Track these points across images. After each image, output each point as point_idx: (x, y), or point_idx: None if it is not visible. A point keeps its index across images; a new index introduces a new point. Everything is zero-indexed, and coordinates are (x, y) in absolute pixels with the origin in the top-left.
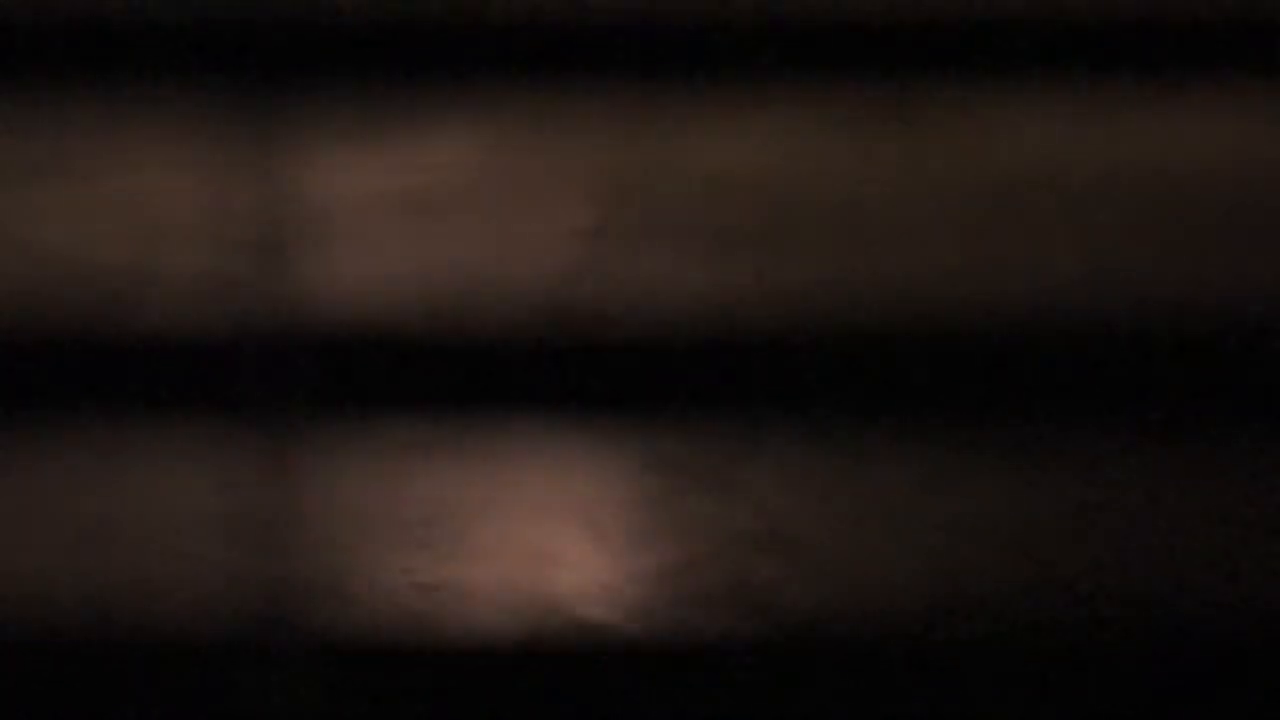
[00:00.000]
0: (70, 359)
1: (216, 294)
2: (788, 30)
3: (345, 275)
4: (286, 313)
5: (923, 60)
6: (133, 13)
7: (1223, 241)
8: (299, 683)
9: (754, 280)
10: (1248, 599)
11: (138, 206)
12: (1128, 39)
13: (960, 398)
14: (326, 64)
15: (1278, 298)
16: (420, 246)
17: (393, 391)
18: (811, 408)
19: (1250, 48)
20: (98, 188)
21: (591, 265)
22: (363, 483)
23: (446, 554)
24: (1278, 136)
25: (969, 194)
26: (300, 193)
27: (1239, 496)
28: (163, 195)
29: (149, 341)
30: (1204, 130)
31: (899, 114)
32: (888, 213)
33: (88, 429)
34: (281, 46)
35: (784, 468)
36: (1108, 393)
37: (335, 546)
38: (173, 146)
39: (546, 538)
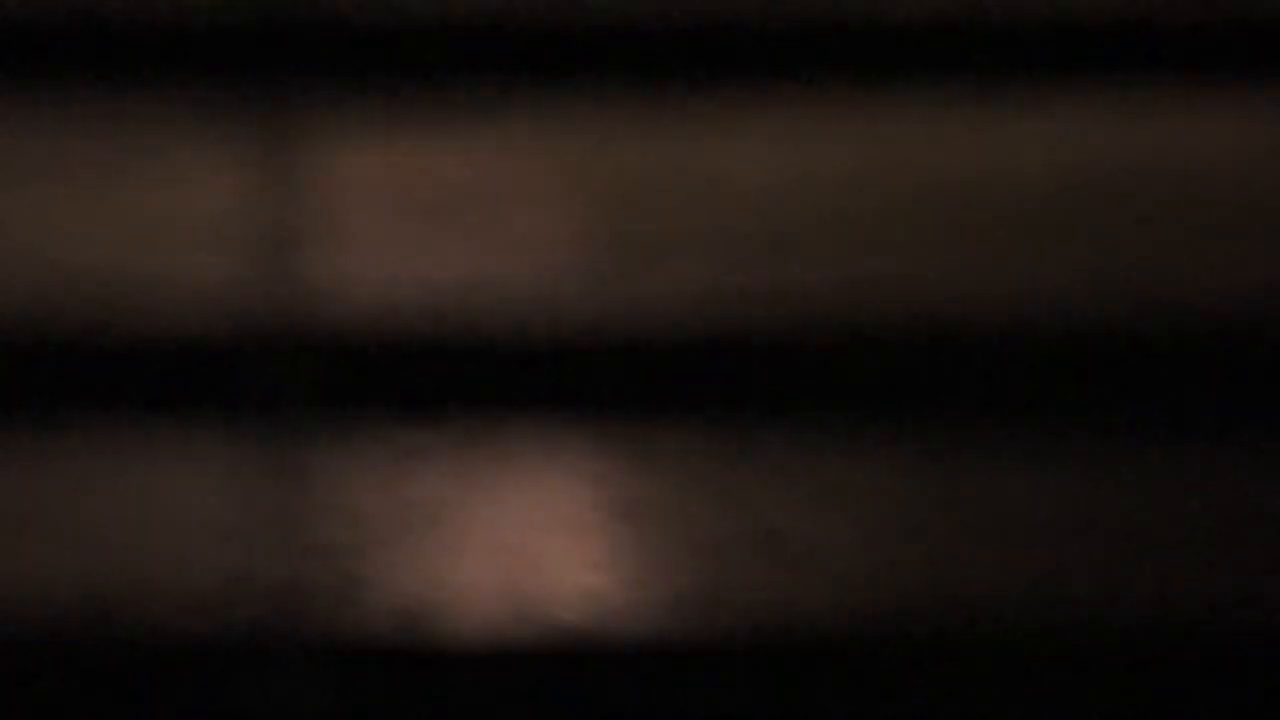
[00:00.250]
0: (75, 360)
1: (223, 296)
2: (789, 35)
3: (351, 278)
4: (293, 315)
5: (925, 64)
6: (140, 15)
7: (1224, 242)
8: (297, 684)
9: (752, 284)
10: (1254, 600)
11: (144, 209)
12: (1128, 39)
13: (958, 400)
14: (335, 67)
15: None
16: (425, 249)
17: (394, 394)
18: (805, 411)
19: (1251, 48)
20: (104, 190)
21: (592, 269)
22: (364, 484)
23: (442, 556)
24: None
25: (970, 197)
26: (307, 195)
27: (1244, 497)
28: (169, 198)
29: (155, 343)
30: (1208, 130)
31: (901, 117)
32: (888, 216)
33: (92, 431)
34: (290, 50)
35: (777, 471)
36: (1109, 394)
37: (336, 548)
38: (179, 149)
39: (543, 541)
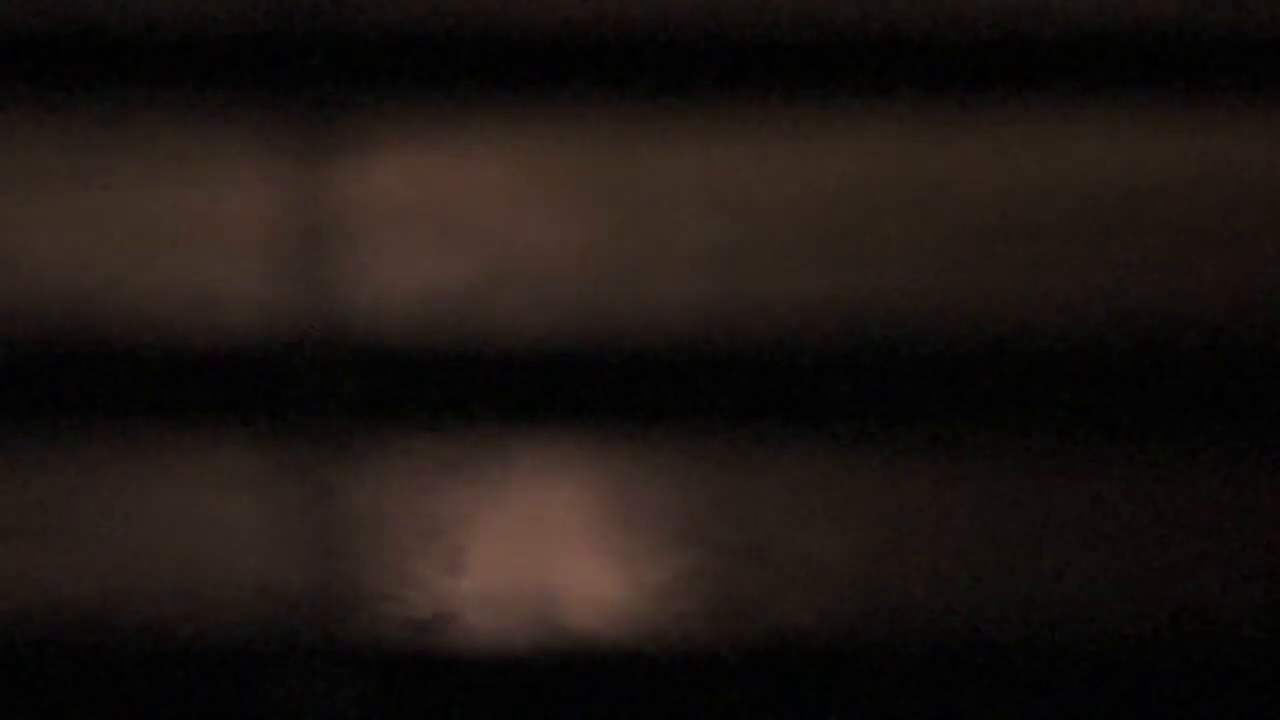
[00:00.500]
0: (111, 370)
1: (252, 305)
2: (791, 50)
3: (364, 288)
4: (317, 325)
5: (924, 79)
6: (175, 28)
7: (1210, 253)
8: (322, 689)
9: (754, 293)
10: (1251, 608)
11: (177, 220)
12: (1120, 55)
13: (954, 412)
14: (365, 81)
15: (1264, 305)
16: (442, 260)
17: (420, 403)
18: (806, 422)
19: (1254, 67)
20: (138, 202)
21: (603, 279)
22: (388, 494)
23: (460, 566)
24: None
25: (968, 210)
26: (336, 205)
27: (1245, 506)
28: (203, 208)
29: (187, 354)
30: (1197, 146)
31: (896, 130)
32: (886, 229)
33: (127, 440)
34: (322, 64)
35: (779, 482)
36: (1105, 405)
37: (360, 556)
38: (213, 160)
39: (555, 551)
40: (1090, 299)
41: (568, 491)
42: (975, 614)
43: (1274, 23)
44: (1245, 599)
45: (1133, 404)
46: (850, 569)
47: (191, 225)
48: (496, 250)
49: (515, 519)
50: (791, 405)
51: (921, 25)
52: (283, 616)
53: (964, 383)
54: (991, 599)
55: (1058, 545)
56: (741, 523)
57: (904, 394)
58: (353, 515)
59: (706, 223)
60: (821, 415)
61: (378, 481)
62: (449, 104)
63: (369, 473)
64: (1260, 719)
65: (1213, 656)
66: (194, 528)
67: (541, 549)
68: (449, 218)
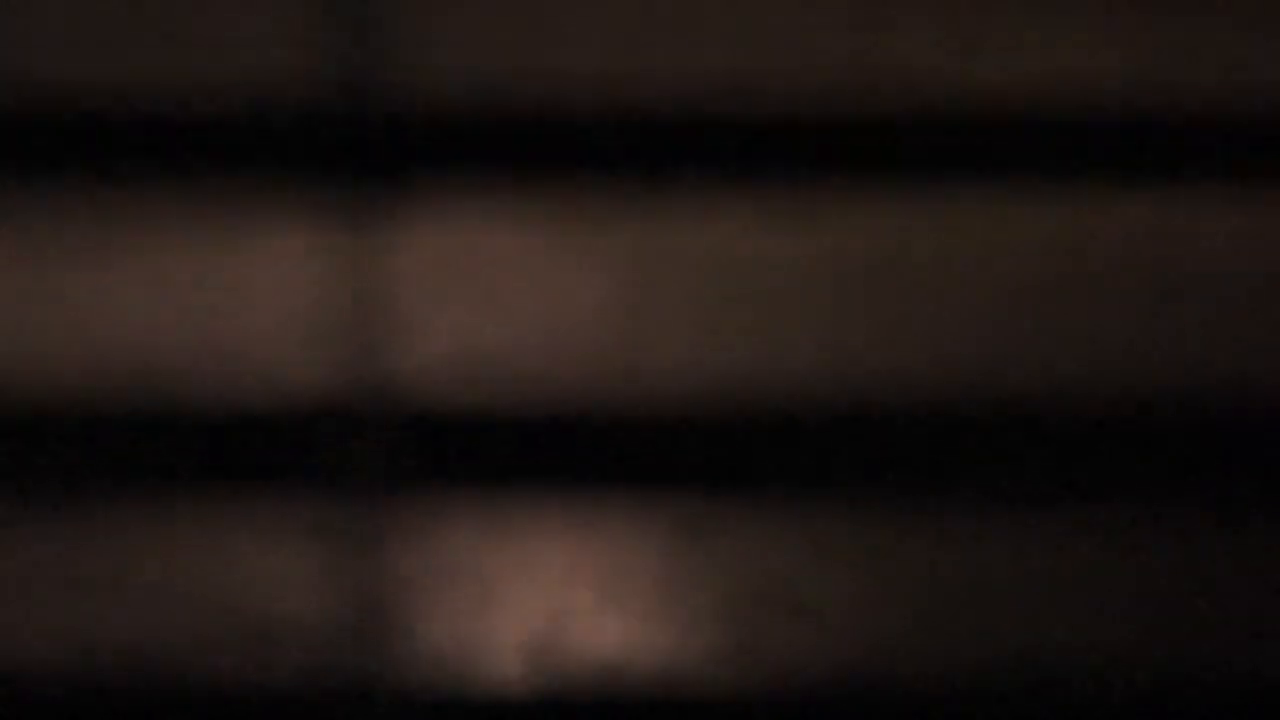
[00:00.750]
0: (172, 432)
1: (302, 370)
2: (789, 128)
3: (406, 352)
4: (362, 387)
5: (915, 157)
6: (224, 107)
7: (1213, 322)
8: None
9: (764, 357)
10: (1245, 663)
11: (231, 289)
12: (1107, 135)
13: (961, 470)
14: (404, 158)
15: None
16: (476, 325)
17: (457, 464)
18: (813, 478)
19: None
20: (195, 272)
21: (620, 340)
22: (425, 547)
23: (493, 613)
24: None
25: (961, 281)
26: (378, 276)
27: (1238, 563)
28: (254, 278)
29: (241, 416)
30: (1160, 221)
31: (892, 206)
32: (882, 298)
33: (186, 497)
34: (364, 145)
35: (788, 533)
36: (1103, 465)
37: (402, 607)
38: (262, 233)
39: (577, 598)
40: (1079, 369)
41: (594, 544)
42: (983, 660)
43: (1219, 105)
44: (1242, 656)
45: (1133, 469)
46: (848, 616)
47: (245, 293)
48: (525, 315)
49: (546, 570)
50: (798, 464)
51: (908, 111)
52: (329, 662)
53: (954, 444)
54: (1001, 646)
55: (1069, 598)
56: (750, 572)
57: (897, 453)
58: (395, 567)
59: (718, 288)
60: (820, 473)
61: (419, 535)
62: (482, 182)
63: (411, 527)
64: None
65: (1210, 712)
66: (247, 579)
67: (568, 598)
68: (483, 286)
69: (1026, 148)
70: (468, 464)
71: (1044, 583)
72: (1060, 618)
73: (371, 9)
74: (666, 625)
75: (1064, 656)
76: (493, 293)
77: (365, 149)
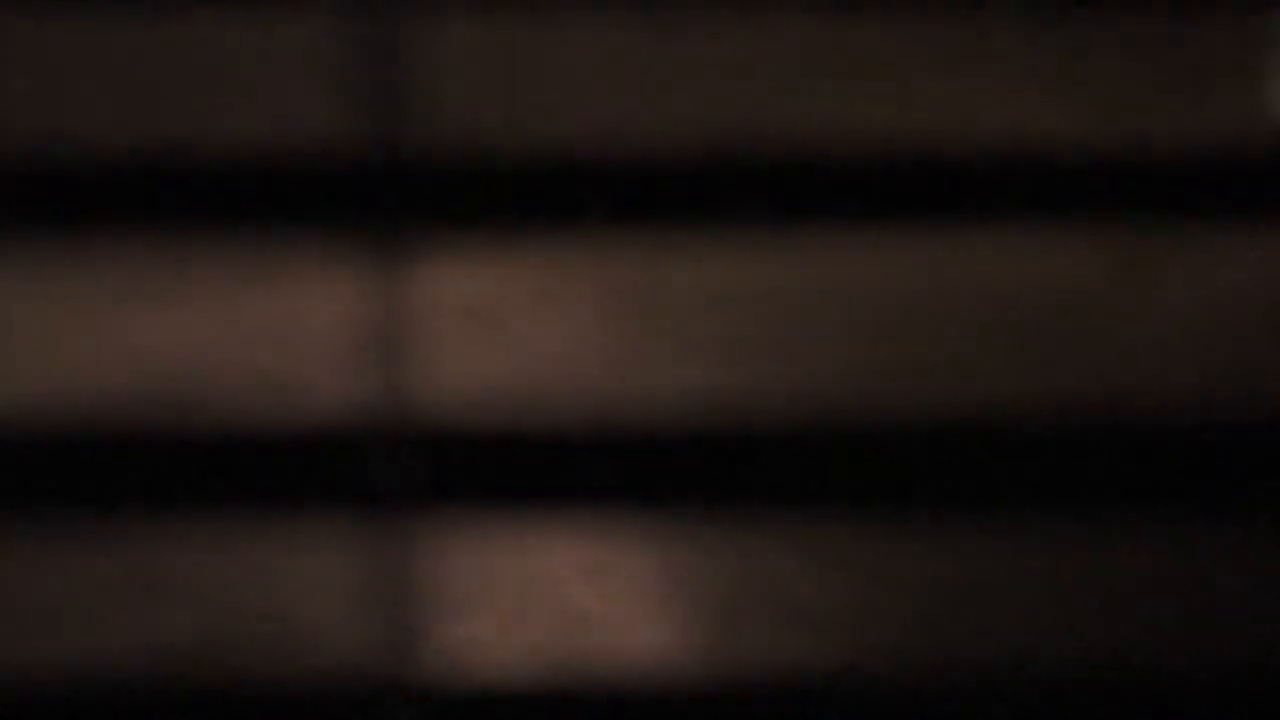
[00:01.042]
0: (211, 453)
1: (332, 396)
2: (776, 178)
3: (428, 380)
4: (388, 412)
5: (899, 201)
6: (262, 156)
7: (1133, 351)
8: None
9: (762, 383)
10: (1235, 670)
11: (267, 323)
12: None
13: (955, 485)
14: (427, 203)
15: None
16: (494, 355)
17: (473, 481)
18: (804, 489)
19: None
20: (233, 308)
21: (622, 367)
22: (446, 561)
23: (507, 623)
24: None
25: (948, 308)
26: (406, 307)
27: (1219, 573)
28: (288, 313)
29: (275, 439)
30: (1121, 259)
31: (877, 242)
32: (877, 324)
33: (225, 513)
34: (393, 189)
35: (784, 541)
36: (1090, 479)
37: (424, 614)
38: (296, 271)
39: (590, 604)
40: (1070, 388)
41: (603, 554)
42: (978, 665)
43: (1159, 153)
44: (1241, 663)
45: (1123, 481)
46: (843, 617)
47: (282, 328)
48: (537, 346)
49: (558, 579)
50: (798, 477)
51: (876, 160)
52: (358, 664)
53: (942, 459)
54: (996, 651)
55: (1057, 605)
56: (753, 576)
57: (900, 468)
58: (417, 577)
59: (710, 320)
60: (814, 487)
61: (440, 547)
62: (499, 224)
63: (432, 540)
64: None
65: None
66: (280, 590)
67: (579, 605)
68: (500, 319)
69: (985, 194)
70: (484, 481)
71: (1030, 587)
72: (1048, 621)
73: (398, 70)
74: (672, 629)
75: (1055, 662)
76: (507, 325)
77: (391, 197)
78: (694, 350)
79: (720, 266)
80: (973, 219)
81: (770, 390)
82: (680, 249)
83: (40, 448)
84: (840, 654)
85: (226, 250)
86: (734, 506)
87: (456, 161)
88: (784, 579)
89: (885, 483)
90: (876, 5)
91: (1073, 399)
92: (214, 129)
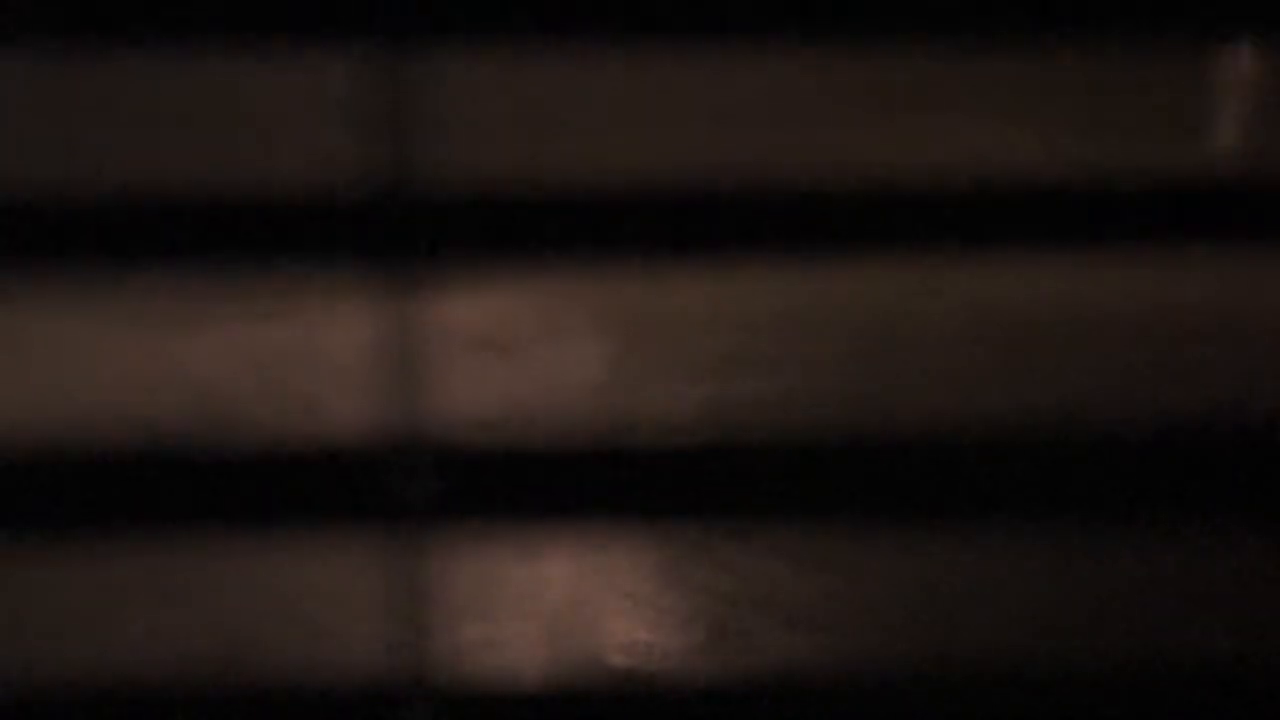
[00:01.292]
0: (237, 470)
1: (351, 418)
2: (768, 207)
3: (442, 402)
4: (403, 432)
5: (889, 227)
6: (281, 193)
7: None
8: None
9: (753, 400)
10: (1222, 670)
11: (290, 349)
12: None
13: (933, 493)
14: (439, 234)
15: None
16: (503, 377)
17: (484, 496)
18: (804, 500)
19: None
20: (259, 336)
21: (620, 387)
22: (459, 570)
23: (515, 622)
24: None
25: (934, 330)
26: (420, 334)
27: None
28: (309, 340)
29: (296, 457)
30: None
31: (863, 266)
32: (870, 341)
33: (249, 527)
34: (406, 221)
35: (775, 547)
36: (1069, 489)
37: (438, 621)
38: (317, 301)
39: (592, 609)
40: (1067, 401)
41: (605, 561)
42: (962, 662)
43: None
44: (1224, 664)
45: (1105, 491)
46: (830, 615)
47: (303, 353)
48: (542, 369)
49: (564, 584)
50: (787, 486)
51: (862, 189)
52: (380, 661)
53: (926, 468)
54: (979, 649)
55: (1033, 606)
56: (743, 580)
57: (876, 475)
58: (433, 582)
59: (704, 343)
60: (805, 497)
61: (454, 555)
62: (506, 255)
63: (446, 548)
64: None
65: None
66: (303, 596)
67: (584, 608)
68: (508, 344)
69: (961, 219)
70: (493, 495)
71: (1017, 591)
72: (1032, 623)
73: (411, 111)
74: (671, 630)
75: (1031, 655)
76: (514, 350)
77: (406, 232)
78: (688, 370)
79: (713, 291)
80: (949, 243)
81: (761, 406)
82: (674, 276)
83: (81, 464)
84: (832, 655)
85: (253, 281)
86: (729, 517)
87: (466, 197)
88: (777, 584)
89: (873, 493)
90: (861, 48)
91: (1044, 412)
92: (240, 169)
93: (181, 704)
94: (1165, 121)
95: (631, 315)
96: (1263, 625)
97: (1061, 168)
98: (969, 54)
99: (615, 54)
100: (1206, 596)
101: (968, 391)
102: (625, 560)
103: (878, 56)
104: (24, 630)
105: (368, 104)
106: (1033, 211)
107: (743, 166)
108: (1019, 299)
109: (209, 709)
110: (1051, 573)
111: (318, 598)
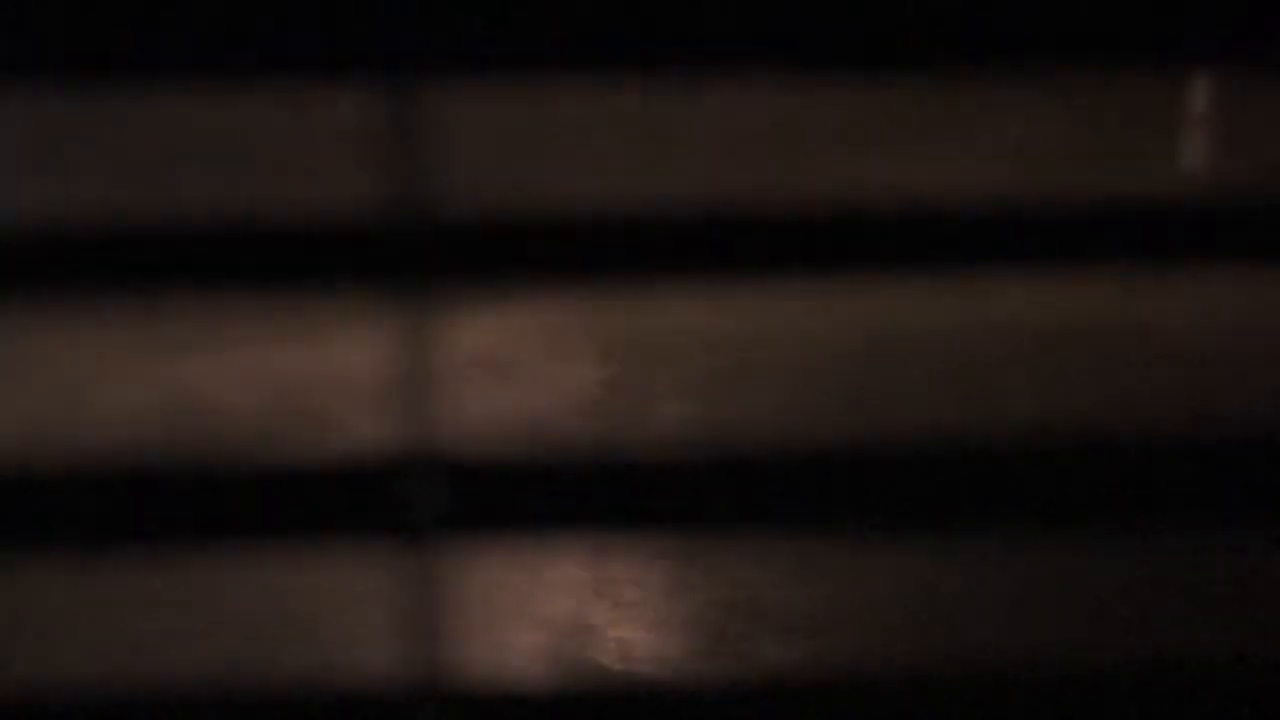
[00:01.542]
0: (257, 483)
1: (367, 432)
2: (757, 231)
3: (454, 418)
4: (418, 447)
5: (874, 249)
6: (300, 219)
7: (1121, 377)
8: None
9: (746, 417)
10: (1230, 673)
11: (309, 369)
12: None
13: (908, 502)
14: (450, 259)
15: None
16: (511, 394)
17: (494, 508)
18: (796, 509)
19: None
20: (279, 356)
21: (622, 404)
22: (472, 578)
23: (525, 626)
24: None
25: (922, 348)
26: (430, 353)
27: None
28: (327, 360)
29: (315, 470)
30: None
31: (847, 289)
32: (855, 362)
33: (266, 538)
34: (418, 246)
35: (772, 557)
36: (1062, 501)
37: (453, 625)
38: (333, 323)
39: (596, 615)
40: (1052, 412)
41: (608, 570)
42: (948, 667)
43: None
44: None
45: (1093, 498)
46: (826, 622)
47: (318, 374)
48: (548, 386)
49: (568, 592)
50: (772, 497)
51: (855, 212)
52: (389, 672)
53: (914, 478)
54: (962, 651)
55: (1016, 610)
56: (730, 585)
57: (871, 486)
58: (443, 590)
59: (701, 361)
60: (795, 507)
61: (462, 567)
62: (511, 280)
63: (455, 560)
64: None
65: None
66: (319, 604)
67: (587, 615)
68: (513, 364)
69: (948, 241)
70: (501, 507)
71: (1011, 600)
72: (1016, 624)
73: (421, 144)
74: (671, 637)
75: (1016, 659)
76: (519, 370)
77: (417, 257)
78: (685, 388)
79: (713, 312)
80: (937, 264)
81: (753, 422)
82: (676, 297)
83: (104, 481)
84: (828, 661)
85: (270, 305)
86: (727, 528)
87: (474, 224)
88: (774, 592)
89: (868, 503)
90: (851, 79)
91: (1030, 425)
92: (257, 198)
93: (197, 712)
94: (1135, 148)
95: (633, 335)
96: (1263, 626)
97: (1039, 191)
98: (951, 84)
99: (617, 85)
100: (1206, 599)
101: (959, 404)
102: (627, 570)
103: (862, 88)
104: (50, 643)
105: (379, 135)
106: (1013, 233)
107: (741, 192)
108: (1003, 317)
109: (224, 717)
110: (1047, 583)
111: (332, 608)
